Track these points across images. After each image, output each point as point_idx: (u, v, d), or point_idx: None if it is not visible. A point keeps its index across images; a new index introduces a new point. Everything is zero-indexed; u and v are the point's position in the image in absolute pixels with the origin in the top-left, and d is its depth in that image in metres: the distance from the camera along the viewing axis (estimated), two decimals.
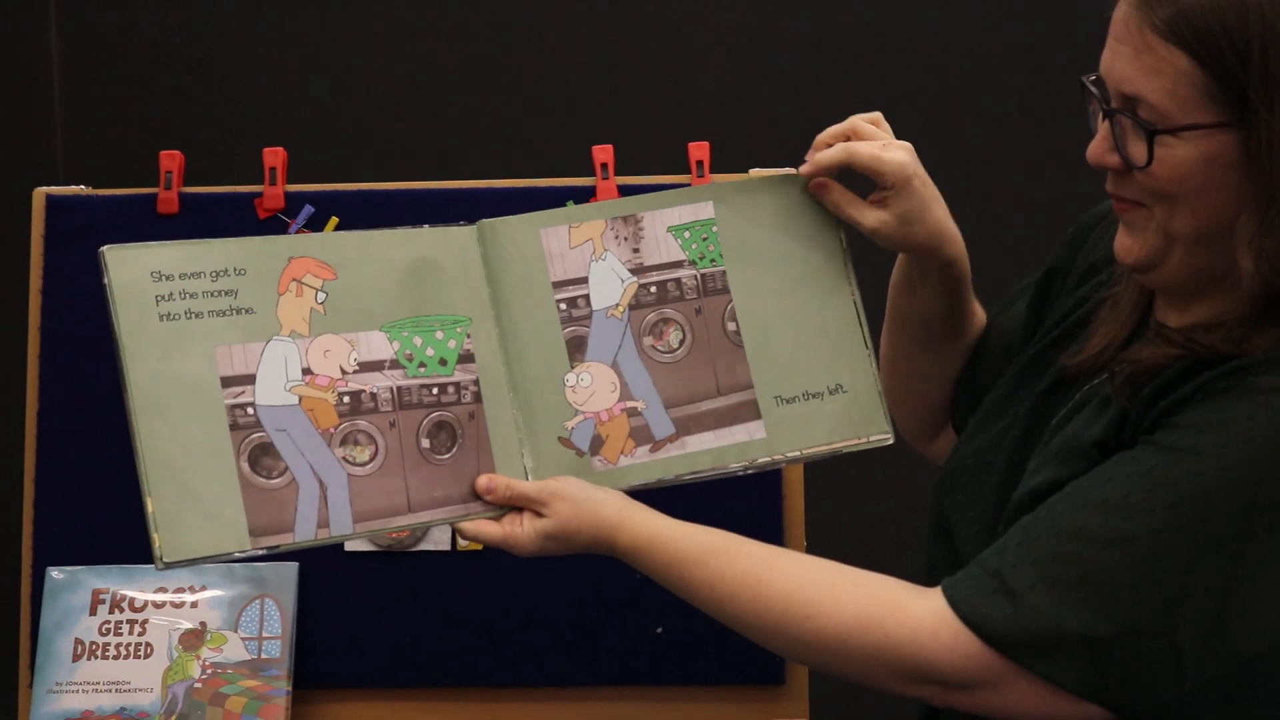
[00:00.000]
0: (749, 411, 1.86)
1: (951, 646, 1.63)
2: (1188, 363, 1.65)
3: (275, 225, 2.22)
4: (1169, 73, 1.60)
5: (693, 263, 1.88)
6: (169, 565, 1.71)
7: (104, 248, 1.76)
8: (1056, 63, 2.87)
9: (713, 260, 1.89)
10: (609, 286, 1.87)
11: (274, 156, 2.23)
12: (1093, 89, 1.67)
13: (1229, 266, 1.65)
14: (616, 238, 1.87)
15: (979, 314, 2.01)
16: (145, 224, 2.21)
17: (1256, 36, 1.58)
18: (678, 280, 1.88)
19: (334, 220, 2.23)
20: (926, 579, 1.81)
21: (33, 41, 3.10)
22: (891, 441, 1.90)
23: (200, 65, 3.10)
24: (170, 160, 2.24)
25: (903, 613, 1.66)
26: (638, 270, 1.87)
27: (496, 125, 3.07)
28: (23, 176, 2.59)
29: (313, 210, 2.22)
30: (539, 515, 1.78)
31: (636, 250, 1.87)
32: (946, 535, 1.84)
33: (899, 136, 1.89)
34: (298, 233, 2.20)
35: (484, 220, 1.86)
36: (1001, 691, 1.63)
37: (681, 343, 1.87)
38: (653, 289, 1.87)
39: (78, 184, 2.28)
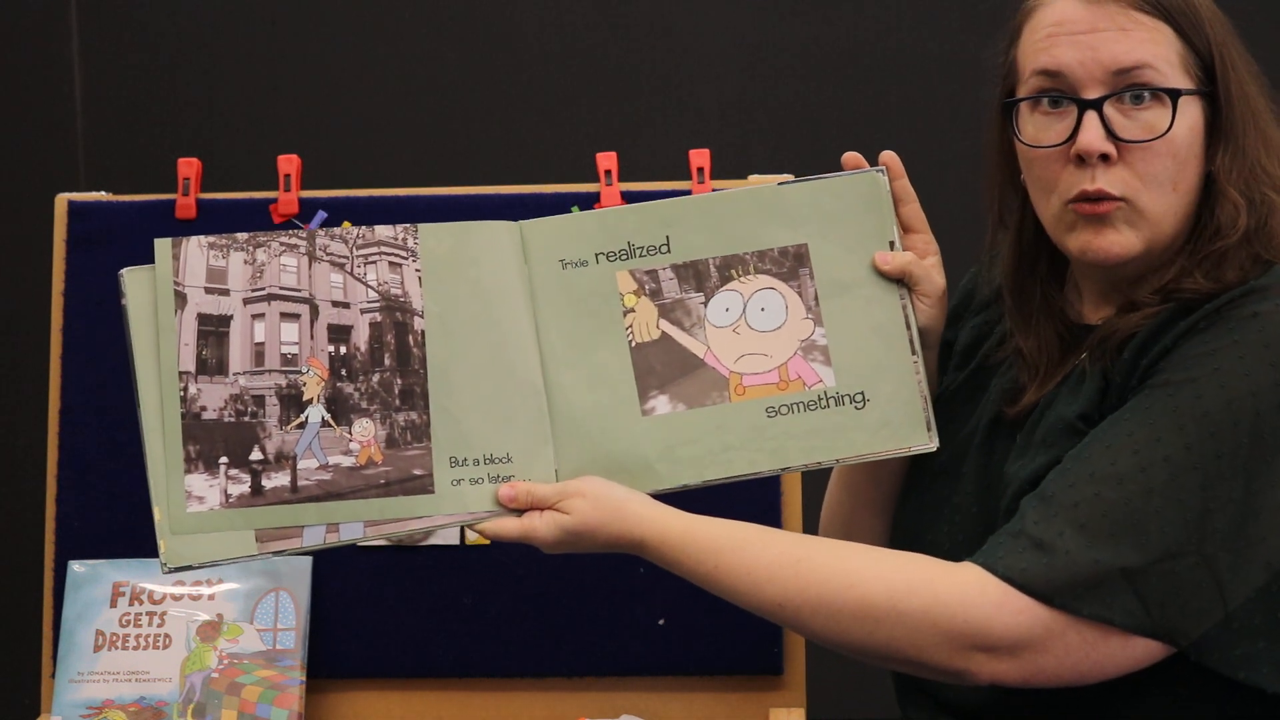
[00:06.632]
0: None
1: (999, 603, 1.63)
2: (1160, 320, 1.70)
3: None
4: (1163, 41, 1.71)
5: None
6: (173, 570, 1.77)
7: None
8: None
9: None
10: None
11: (288, 164, 2.26)
12: (1055, 88, 1.73)
13: (1181, 236, 1.75)
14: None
15: None
16: (163, 229, 2.20)
17: (1202, 5, 1.73)
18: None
19: (346, 225, 2.25)
20: None
21: (55, 52, 3.12)
22: (935, 448, 1.82)
23: (217, 75, 3.12)
24: (188, 167, 2.26)
25: (949, 576, 1.67)
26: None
27: (503, 132, 3.08)
28: (45, 182, 2.60)
29: (326, 216, 2.25)
30: (560, 512, 1.77)
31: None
32: None
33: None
34: None
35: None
36: (1050, 649, 1.63)
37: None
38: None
39: (98, 190, 2.30)
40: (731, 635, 2.16)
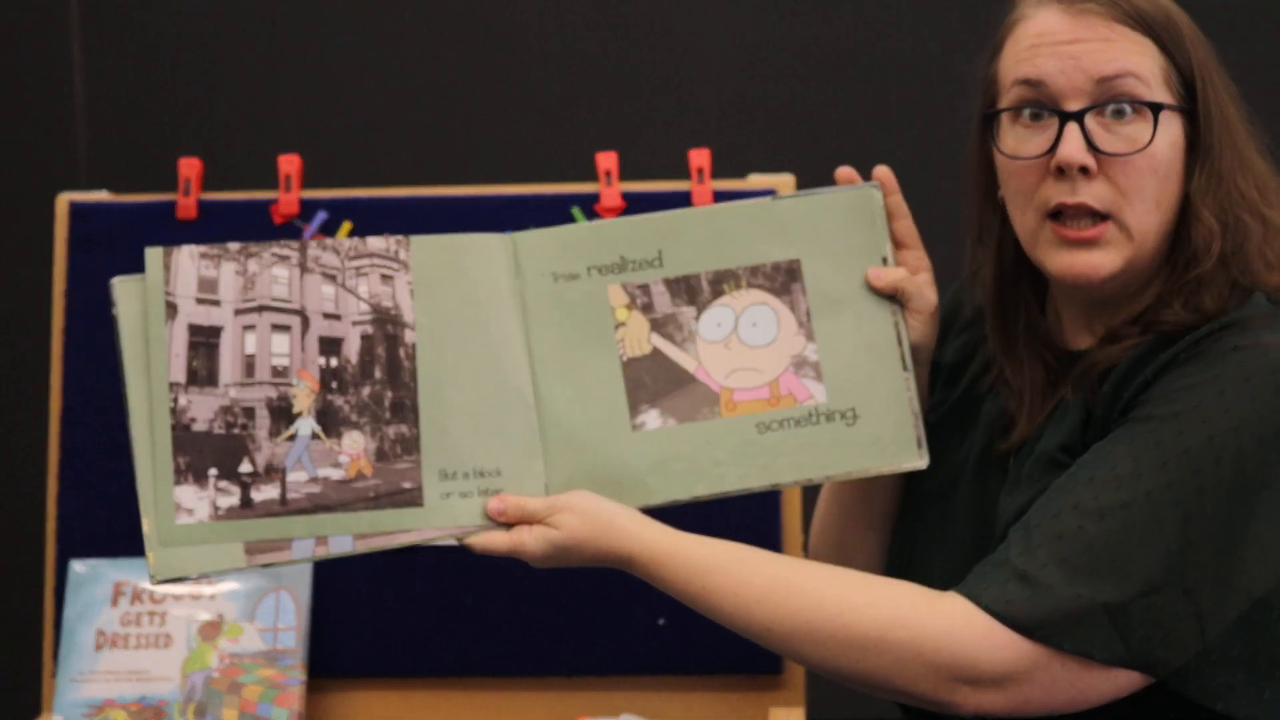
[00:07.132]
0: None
1: (985, 636, 1.63)
2: (1139, 352, 1.71)
3: (290, 230, 2.25)
4: (1147, 53, 1.71)
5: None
6: (162, 582, 1.75)
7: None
8: None
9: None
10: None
11: (289, 164, 2.27)
12: (1036, 99, 1.72)
13: (1160, 257, 1.74)
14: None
15: None
16: (164, 229, 2.24)
17: (1184, 25, 1.73)
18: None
19: (347, 225, 2.27)
20: None
21: (55, 52, 3.12)
22: (925, 465, 1.80)
23: (217, 75, 3.12)
24: (189, 168, 2.27)
25: (935, 606, 1.66)
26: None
27: (503, 132, 3.09)
28: (46, 182, 2.60)
29: (326, 216, 2.26)
30: (549, 526, 1.76)
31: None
32: None
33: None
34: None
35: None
36: (1035, 681, 1.64)
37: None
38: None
39: (99, 189, 2.31)
40: (731, 635, 2.14)
